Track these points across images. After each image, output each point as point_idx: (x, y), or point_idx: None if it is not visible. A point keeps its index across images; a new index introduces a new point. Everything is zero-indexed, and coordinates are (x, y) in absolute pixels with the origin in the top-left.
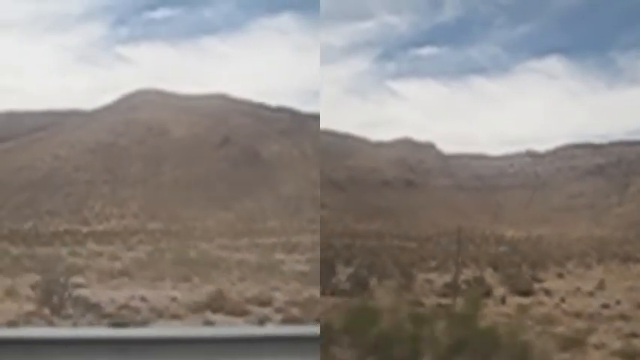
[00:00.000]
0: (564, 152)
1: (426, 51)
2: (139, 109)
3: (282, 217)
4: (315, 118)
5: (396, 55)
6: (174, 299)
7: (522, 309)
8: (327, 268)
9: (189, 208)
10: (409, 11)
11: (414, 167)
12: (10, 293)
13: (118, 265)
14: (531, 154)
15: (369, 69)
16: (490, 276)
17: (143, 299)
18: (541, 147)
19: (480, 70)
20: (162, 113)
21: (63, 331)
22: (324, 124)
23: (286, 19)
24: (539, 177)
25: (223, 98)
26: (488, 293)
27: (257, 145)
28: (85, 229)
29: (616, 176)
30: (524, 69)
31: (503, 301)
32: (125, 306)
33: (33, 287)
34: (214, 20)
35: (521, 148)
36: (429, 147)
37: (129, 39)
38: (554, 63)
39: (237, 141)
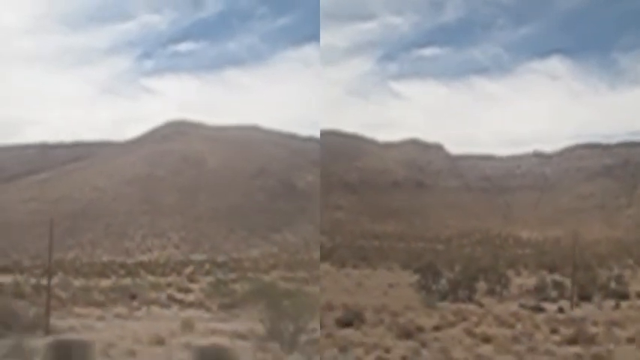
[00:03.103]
0: (571, 153)
1: (428, 51)
2: (173, 140)
3: None
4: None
5: (398, 55)
6: None
7: None
8: (431, 274)
9: (229, 239)
10: (411, 12)
11: (423, 168)
12: (188, 325)
13: (191, 297)
14: (538, 155)
15: (371, 70)
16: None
17: None
18: (544, 147)
19: (482, 70)
20: (197, 144)
21: None
22: (327, 126)
23: (309, 51)
24: (548, 178)
25: (255, 129)
26: (588, 298)
27: (292, 175)
28: (129, 260)
29: (624, 177)
30: (526, 69)
31: (617, 306)
32: None
33: (262, 320)
34: (238, 53)
35: (524, 148)
36: (437, 148)
37: (154, 71)
38: (556, 64)
39: (272, 172)
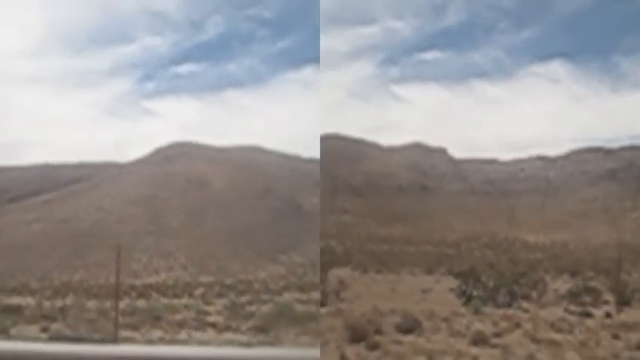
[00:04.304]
0: (575, 157)
1: (430, 55)
2: (176, 161)
3: None
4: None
5: (399, 59)
6: None
7: None
8: (472, 280)
9: (236, 260)
10: (412, 16)
11: (427, 172)
12: None
13: (211, 318)
14: (542, 159)
15: (372, 73)
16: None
17: None
18: (545, 151)
19: (483, 74)
20: (200, 165)
21: None
22: (328, 129)
23: (309, 72)
24: (551, 182)
25: (257, 150)
26: (626, 302)
27: (297, 196)
28: (137, 282)
29: (628, 181)
30: (528, 73)
31: None
32: None
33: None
34: (239, 74)
35: (525, 152)
36: (441, 152)
37: (155, 93)
38: (557, 67)
39: (277, 193)
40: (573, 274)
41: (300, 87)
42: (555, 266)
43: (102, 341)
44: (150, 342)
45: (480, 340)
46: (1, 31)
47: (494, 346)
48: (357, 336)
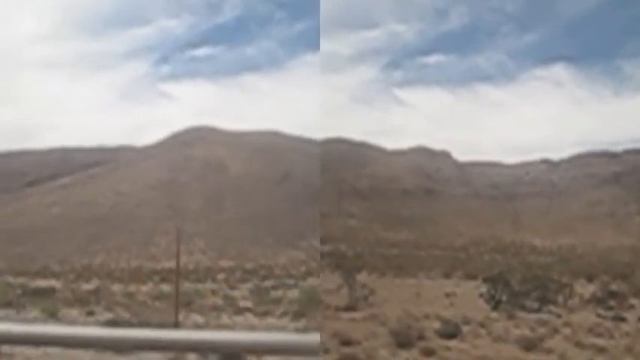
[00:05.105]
0: (579, 160)
1: (433, 59)
2: (194, 146)
3: None
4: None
5: (402, 63)
6: None
7: None
8: (501, 284)
9: (256, 245)
10: (415, 19)
11: (431, 175)
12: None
13: (241, 303)
14: (546, 162)
15: (375, 77)
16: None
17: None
18: (548, 154)
19: (487, 77)
20: (218, 149)
21: None
22: (332, 133)
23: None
24: (556, 185)
25: (275, 134)
26: None
27: (316, 181)
28: (157, 266)
29: (633, 184)
30: (531, 77)
31: None
32: None
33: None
34: (256, 58)
35: (528, 155)
36: (445, 155)
37: (171, 77)
38: (560, 71)
39: (296, 177)
40: (589, 278)
41: (318, 70)
42: (568, 270)
43: (162, 326)
44: (198, 327)
45: (529, 345)
46: (18, 16)
47: (549, 351)
48: (401, 342)
